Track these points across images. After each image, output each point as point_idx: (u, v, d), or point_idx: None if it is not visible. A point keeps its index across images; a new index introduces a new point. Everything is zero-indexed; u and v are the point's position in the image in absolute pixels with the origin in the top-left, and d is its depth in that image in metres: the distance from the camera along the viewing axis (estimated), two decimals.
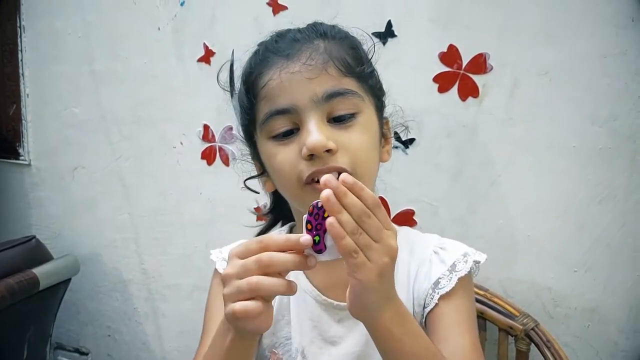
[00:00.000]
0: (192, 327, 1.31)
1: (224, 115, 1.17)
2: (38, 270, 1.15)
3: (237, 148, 1.18)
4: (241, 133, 0.82)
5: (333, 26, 0.76)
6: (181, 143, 1.23)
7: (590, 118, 0.92)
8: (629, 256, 0.94)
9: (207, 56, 1.17)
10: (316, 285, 0.78)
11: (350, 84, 0.70)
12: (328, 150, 0.66)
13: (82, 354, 1.47)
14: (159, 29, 1.21)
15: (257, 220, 1.19)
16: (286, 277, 0.69)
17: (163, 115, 1.25)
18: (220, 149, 1.20)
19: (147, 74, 1.24)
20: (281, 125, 0.70)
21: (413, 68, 1.01)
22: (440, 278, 0.75)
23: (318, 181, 0.65)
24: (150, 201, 1.30)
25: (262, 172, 0.80)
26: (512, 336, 0.94)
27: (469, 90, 0.98)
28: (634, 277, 0.94)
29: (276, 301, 0.76)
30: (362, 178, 0.64)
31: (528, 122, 0.96)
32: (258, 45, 0.77)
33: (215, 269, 0.86)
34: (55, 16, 1.33)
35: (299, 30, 0.75)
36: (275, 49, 0.72)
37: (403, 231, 0.82)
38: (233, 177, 1.19)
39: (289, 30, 0.75)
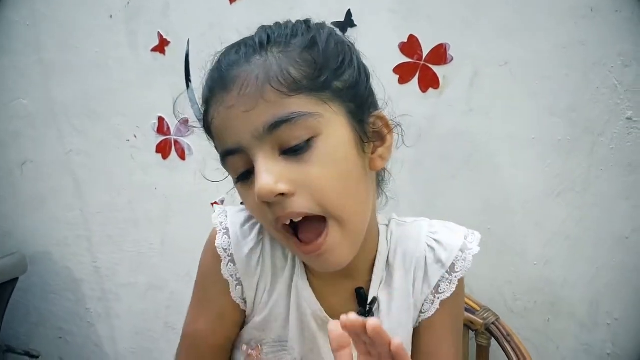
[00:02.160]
0: (146, 328, 1.29)
1: (180, 106, 1.12)
2: None
3: (193, 141, 1.16)
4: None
5: (284, 24, 0.65)
6: (135, 136, 1.20)
7: (549, 109, 0.91)
8: (589, 249, 0.94)
9: (162, 46, 1.13)
10: (321, 301, 0.72)
11: (297, 104, 0.59)
12: (282, 193, 0.58)
13: (33, 357, 1.40)
14: (111, 16, 1.16)
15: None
16: (279, 283, 0.70)
17: (115, 107, 1.21)
18: (176, 142, 1.17)
19: (99, 64, 1.20)
20: (237, 165, 0.62)
21: (373, 58, 0.99)
22: (440, 282, 0.71)
23: (296, 235, 0.61)
24: (103, 197, 1.26)
25: None
26: (472, 331, 0.93)
27: (429, 82, 0.97)
28: (594, 270, 0.94)
29: (272, 298, 0.72)
30: (342, 219, 0.60)
31: (488, 114, 0.95)
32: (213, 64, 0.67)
33: (213, 235, 0.73)
34: (3, 4, 1.27)
35: (240, 44, 0.63)
36: (216, 78, 0.63)
37: (391, 225, 0.75)
38: (189, 172, 1.17)
39: (233, 46, 0.65)
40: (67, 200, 1.29)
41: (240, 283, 0.71)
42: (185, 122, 1.14)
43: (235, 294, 0.71)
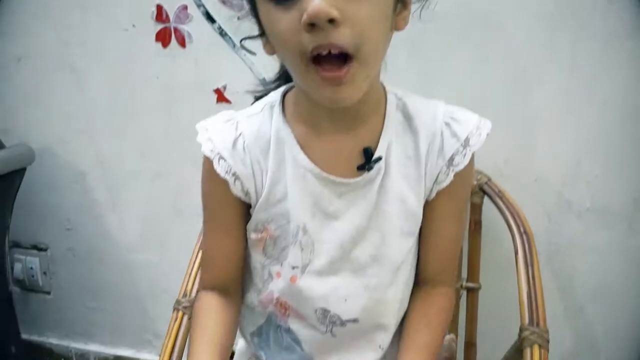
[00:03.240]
0: (154, 213, 1.35)
1: None
2: None
3: (193, 28, 1.17)
4: None
5: None
6: (133, 25, 1.20)
7: None
8: (573, 116, 1.03)
9: None
10: (316, 162, 0.74)
11: None
12: (331, 21, 0.58)
13: (40, 249, 1.46)
14: None
15: (217, 101, 1.20)
16: (277, 153, 0.73)
17: None
18: (176, 29, 1.18)
19: None
20: None
21: None
22: (454, 154, 0.74)
23: (321, 58, 0.61)
24: (103, 89, 1.27)
25: (262, 33, 0.71)
26: None
27: None
28: (577, 132, 1.03)
29: (268, 175, 0.75)
30: (366, 60, 0.62)
31: None
32: None
33: (203, 154, 0.77)
34: None
35: None
36: None
37: (402, 96, 0.77)
38: (190, 60, 1.20)
39: None
40: (66, 93, 1.30)
41: (237, 177, 0.75)
42: (184, 8, 1.16)
43: (235, 189, 0.75)
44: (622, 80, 0.99)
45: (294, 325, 0.80)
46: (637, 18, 0.96)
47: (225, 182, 0.75)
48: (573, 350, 1.14)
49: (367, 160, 0.73)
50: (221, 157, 0.74)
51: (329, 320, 0.78)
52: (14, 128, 1.35)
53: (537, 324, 0.83)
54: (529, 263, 0.90)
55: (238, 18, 1.13)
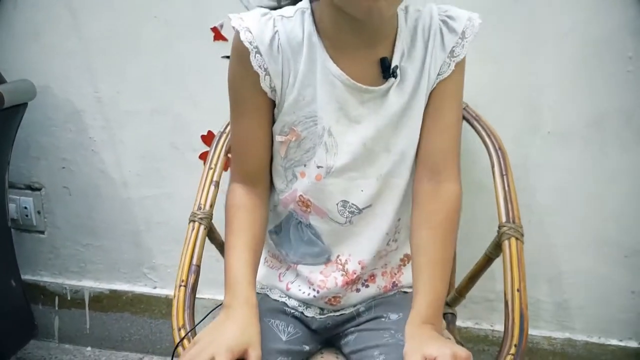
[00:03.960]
0: (153, 150, 1.41)
1: None
2: (1, 88, 1.17)
3: None
4: None
5: None
6: None
7: None
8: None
9: None
10: (343, 70, 0.81)
11: None
12: None
13: (34, 189, 1.50)
14: None
15: (214, 40, 1.28)
16: (310, 57, 0.79)
17: None
18: None
19: None
20: None
21: None
22: (454, 47, 0.83)
23: None
24: (101, 25, 1.32)
25: None
26: None
27: None
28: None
29: (298, 79, 0.82)
30: None
31: None
32: None
33: (237, 37, 0.81)
34: None
35: None
36: None
37: (409, 9, 0.85)
38: None
39: None
40: (64, 30, 1.34)
41: (267, 72, 0.80)
42: None
43: (264, 83, 0.81)
44: (581, 14, 1.14)
45: (315, 221, 0.89)
46: None
47: (256, 74, 0.80)
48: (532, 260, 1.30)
49: (386, 69, 0.81)
50: (258, 52, 0.79)
51: (348, 211, 0.87)
52: (11, 66, 1.37)
53: (514, 221, 0.95)
54: (504, 173, 1.03)
55: None
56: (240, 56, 0.81)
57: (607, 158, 1.21)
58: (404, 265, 0.96)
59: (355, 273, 0.90)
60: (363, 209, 0.88)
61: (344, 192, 0.87)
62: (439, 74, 0.84)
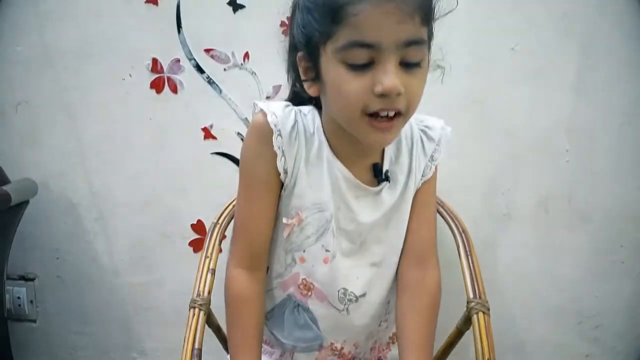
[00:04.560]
0: (142, 239, 1.51)
1: (173, 49, 1.37)
2: (8, 188, 1.26)
3: (185, 77, 1.39)
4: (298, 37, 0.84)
5: None
6: (130, 75, 1.40)
7: None
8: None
9: None
10: (345, 165, 0.91)
11: (424, 34, 0.77)
12: (398, 94, 0.75)
13: (28, 280, 1.56)
14: None
15: (204, 138, 1.41)
16: (319, 150, 0.88)
17: (111, 50, 1.39)
18: (169, 78, 1.39)
19: (94, 14, 1.37)
20: (361, 57, 0.75)
21: None
22: (433, 153, 0.96)
23: (378, 115, 0.77)
24: (99, 128, 1.44)
25: (314, 78, 0.84)
26: None
27: None
28: None
29: (308, 167, 0.90)
30: (409, 115, 0.80)
31: None
32: None
33: (256, 115, 0.90)
34: None
35: None
36: None
37: None
38: (181, 103, 1.41)
39: None
40: (63, 134, 1.45)
41: (284, 154, 0.88)
42: (177, 61, 1.38)
43: (280, 164, 0.88)
44: (525, 114, 1.34)
45: (314, 305, 0.96)
46: None
47: (274, 154, 0.88)
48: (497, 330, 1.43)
49: (378, 173, 0.92)
50: (280, 134, 0.87)
51: (347, 299, 0.95)
52: (13, 165, 1.45)
53: (480, 297, 1.05)
54: (468, 253, 1.15)
55: (224, 70, 1.37)
56: (262, 135, 0.88)
57: (554, 236, 1.39)
58: (393, 343, 1.06)
59: (350, 353, 0.99)
60: (359, 296, 0.96)
61: (345, 279, 0.95)
62: (422, 175, 0.97)
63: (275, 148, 0.88)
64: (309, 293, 0.96)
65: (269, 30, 1.32)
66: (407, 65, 0.76)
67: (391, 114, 0.78)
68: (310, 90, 0.86)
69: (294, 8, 0.85)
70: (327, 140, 0.91)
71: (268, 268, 0.99)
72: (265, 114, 0.88)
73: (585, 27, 1.29)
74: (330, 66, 0.78)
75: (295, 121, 0.90)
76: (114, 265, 1.53)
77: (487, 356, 1.00)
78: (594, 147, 1.34)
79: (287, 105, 0.92)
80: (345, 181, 0.91)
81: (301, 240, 0.94)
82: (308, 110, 0.93)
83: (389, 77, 0.74)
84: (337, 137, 0.90)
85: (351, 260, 0.95)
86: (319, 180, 0.91)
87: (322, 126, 0.91)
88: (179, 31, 1.36)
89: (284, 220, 0.93)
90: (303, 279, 0.96)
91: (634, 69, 1.30)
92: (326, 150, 0.91)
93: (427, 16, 0.76)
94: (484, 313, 1.03)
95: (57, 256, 1.54)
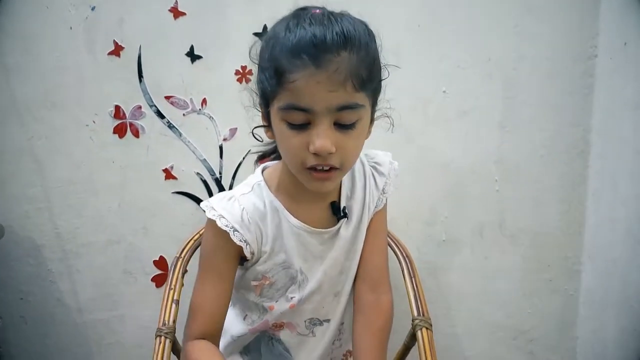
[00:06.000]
0: (106, 277, 1.56)
1: (135, 96, 1.46)
2: None
3: (146, 122, 1.48)
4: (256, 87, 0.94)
5: (360, 29, 0.84)
6: (94, 122, 1.47)
7: None
8: None
9: (117, 50, 1.44)
10: (303, 221, 0.99)
11: (360, 98, 0.83)
12: (329, 153, 0.83)
13: None
14: (70, 28, 1.43)
15: (165, 179, 1.50)
16: (274, 219, 0.96)
17: (75, 99, 1.46)
18: (131, 124, 1.47)
19: (59, 67, 1.44)
20: (298, 118, 0.83)
21: None
22: (384, 186, 1.05)
23: (315, 169, 0.86)
24: (63, 173, 1.50)
25: (269, 125, 0.93)
26: None
27: None
28: None
29: (269, 238, 0.98)
30: (346, 169, 0.89)
31: None
32: (295, 23, 0.83)
33: (208, 219, 0.97)
34: None
35: (332, 34, 0.80)
36: (310, 53, 0.79)
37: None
38: (143, 147, 1.49)
39: (323, 27, 0.81)
40: (28, 179, 1.49)
41: (247, 242, 0.97)
42: (139, 108, 1.47)
43: (246, 251, 0.98)
44: (458, 149, 1.48)
45: (285, 336, 1.07)
46: None
47: (239, 247, 0.97)
48: (442, 348, 1.55)
49: (336, 210, 1.01)
50: (235, 230, 0.95)
51: (312, 324, 1.06)
52: None
53: (423, 315, 1.14)
54: (412, 276, 1.24)
55: (183, 115, 1.48)
56: (221, 238, 0.96)
57: (489, 259, 1.52)
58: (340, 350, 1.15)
59: None
60: (324, 320, 1.07)
61: (312, 311, 1.05)
62: (375, 207, 1.06)
63: (238, 243, 0.96)
64: (281, 327, 1.07)
65: (225, 78, 1.43)
66: (341, 126, 0.84)
67: (326, 168, 0.86)
68: (267, 134, 0.96)
69: (261, 50, 0.91)
70: (282, 203, 0.99)
71: (246, 316, 1.08)
72: (214, 222, 0.95)
73: (507, 71, 1.45)
74: (276, 121, 0.87)
75: (242, 208, 0.97)
76: (78, 304, 1.57)
77: None
78: (520, 176, 1.49)
79: (230, 198, 0.99)
80: (307, 233, 1.00)
81: (272, 294, 1.04)
82: (250, 186, 1.01)
83: (320, 139, 0.82)
84: (294, 186, 0.97)
85: (319, 296, 1.05)
86: (282, 246, 1.00)
87: (271, 191, 0.99)
88: (140, 80, 1.46)
89: (252, 283, 1.02)
90: (272, 323, 1.06)
91: (552, 107, 1.46)
92: (282, 213, 0.99)
93: (362, 82, 0.82)
94: (427, 329, 1.13)
95: (21, 297, 1.57)
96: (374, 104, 0.90)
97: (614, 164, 1.38)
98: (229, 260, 0.99)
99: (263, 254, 1.00)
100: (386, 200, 1.08)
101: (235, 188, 1.05)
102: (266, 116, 0.92)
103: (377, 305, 1.06)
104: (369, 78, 0.83)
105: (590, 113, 1.45)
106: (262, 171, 1.04)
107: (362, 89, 0.83)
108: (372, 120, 0.93)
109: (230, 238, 0.95)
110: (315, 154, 0.84)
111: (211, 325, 0.98)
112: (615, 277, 1.38)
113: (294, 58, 0.80)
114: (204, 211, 0.98)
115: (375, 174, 1.07)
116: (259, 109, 0.95)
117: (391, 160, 1.09)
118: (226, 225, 0.95)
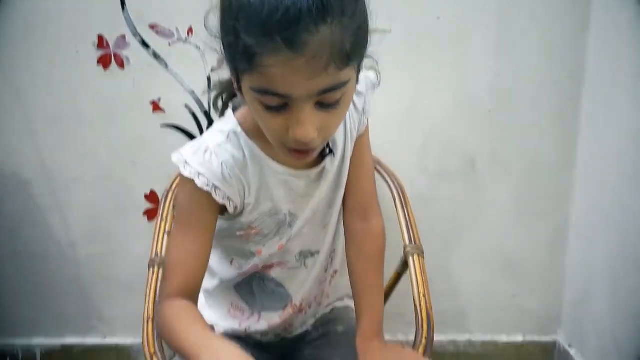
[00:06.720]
0: (97, 212, 1.56)
1: (118, 25, 1.41)
2: None
3: (130, 53, 1.44)
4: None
5: None
6: (77, 52, 1.43)
7: None
8: None
9: None
10: (286, 165, 0.92)
11: (344, 74, 0.71)
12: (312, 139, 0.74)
13: None
14: None
15: (153, 111, 1.47)
16: (256, 168, 0.88)
17: (56, 28, 1.41)
18: (115, 54, 1.43)
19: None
20: (274, 102, 0.71)
21: None
22: (364, 106, 0.98)
23: (296, 150, 0.77)
24: (48, 107, 1.47)
25: (240, 90, 0.79)
26: None
27: None
28: None
29: (253, 188, 0.91)
30: (326, 141, 0.83)
31: None
32: None
33: (181, 175, 0.87)
34: None
35: (308, 2, 0.64)
36: (283, 34, 0.65)
37: None
38: (128, 79, 1.45)
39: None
40: (11, 111, 1.47)
41: (230, 199, 0.89)
42: (122, 37, 1.42)
43: (230, 208, 0.90)
44: (453, 75, 1.46)
45: (276, 273, 1.03)
46: None
47: (222, 206, 0.89)
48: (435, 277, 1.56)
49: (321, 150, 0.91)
50: (217, 188, 0.86)
51: (303, 256, 1.02)
52: None
53: (415, 242, 1.16)
54: (404, 205, 1.25)
55: (169, 44, 1.43)
56: (201, 195, 0.86)
57: (481, 189, 1.53)
58: (333, 277, 1.12)
59: (309, 307, 1.09)
60: (314, 252, 1.04)
61: (301, 245, 1.01)
62: (357, 131, 1.00)
63: (221, 201, 0.88)
64: (271, 266, 1.03)
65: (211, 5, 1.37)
66: (324, 105, 0.73)
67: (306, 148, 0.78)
68: (240, 95, 0.81)
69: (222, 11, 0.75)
70: (262, 150, 0.90)
71: (232, 260, 1.03)
72: (192, 180, 0.85)
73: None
74: (249, 97, 0.76)
75: (221, 162, 0.87)
76: (69, 239, 1.57)
77: (422, 292, 1.11)
78: (514, 105, 1.48)
79: (205, 151, 0.88)
80: (293, 177, 0.94)
81: (260, 239, 0.99)
82: (226, 135, 0.90)
83: (301, 128, 0.72)
84: None
85: (308, 229, 1.01)
86: (267, 194, 0.94)
87: (247, 135, 0.90)
88: (122, 8, 1.40)
89: (237, 234, 0.97)
90: (262, 265, 1.02)
91: (547, 37, 1.43)
92: (265, 161, 0.91)
93: (346, 58, 0.69)
94: (418, 255, 1.15)
95: (12, 232, 1.56)
96: (360, 66, 0.78)
97: (609, 90, 1.37)
98: (210, 214, 0.90)
99: (247, 206, 0.93)
100: (367, 121, 1.02)
101: (206, 134, 0.93)
102: (237, 82, 0.78)
103: (368, 230, 1.05)
104: (354, 49, 0.71)
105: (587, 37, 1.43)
106: (234, 112, 0.93)
107: (348, 64, 0.71)
108: (357, 79, 0.80)
109: (214, 199, 0.87)
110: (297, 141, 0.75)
111: (192, 283, 0.89)
112: (605, 203, 1.39)
113: (264, 37, 0.66)
114: (178, 167, 0.87)
115: (354, 96, 0.95)
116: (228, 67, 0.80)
117: (366, 75, 0.97)
118: (207, 185, 0.86)
